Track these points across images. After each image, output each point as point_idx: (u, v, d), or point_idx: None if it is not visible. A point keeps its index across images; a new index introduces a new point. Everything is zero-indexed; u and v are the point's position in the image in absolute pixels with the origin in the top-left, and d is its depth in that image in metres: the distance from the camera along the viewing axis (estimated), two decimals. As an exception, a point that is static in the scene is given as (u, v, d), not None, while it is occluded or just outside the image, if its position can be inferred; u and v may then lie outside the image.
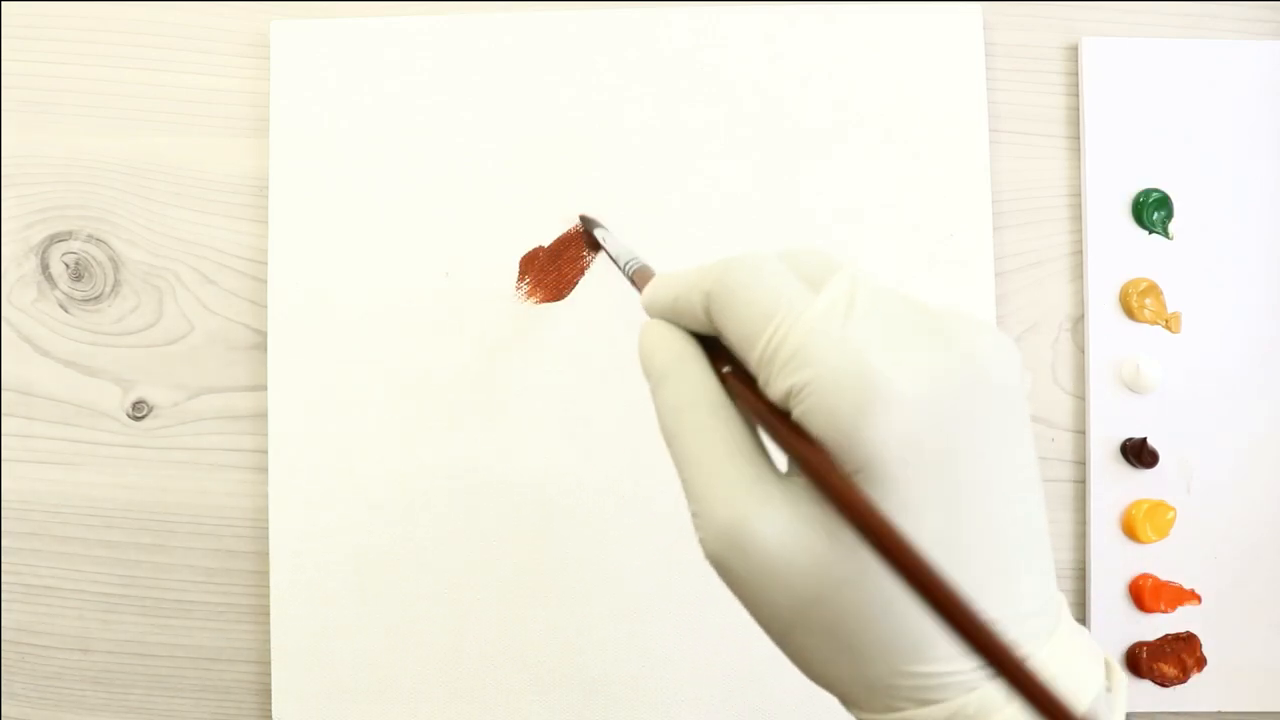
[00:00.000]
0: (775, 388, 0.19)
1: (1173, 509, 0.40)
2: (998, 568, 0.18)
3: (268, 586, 0.41)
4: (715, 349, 0.21)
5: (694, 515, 0.20)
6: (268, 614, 0.41)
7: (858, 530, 0.16)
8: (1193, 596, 0.40)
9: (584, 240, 0.41)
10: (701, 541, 0.19)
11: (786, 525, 0.18)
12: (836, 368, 0.18)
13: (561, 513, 0.40)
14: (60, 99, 0.43)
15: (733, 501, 0.19)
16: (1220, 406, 0.41)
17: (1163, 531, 0.40)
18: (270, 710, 0.40)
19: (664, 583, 0.40)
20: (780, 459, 0.20)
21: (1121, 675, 0.20)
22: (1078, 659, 0.19)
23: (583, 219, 0.40)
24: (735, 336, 0.20)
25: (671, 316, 0.22)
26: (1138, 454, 0.40)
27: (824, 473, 0.17)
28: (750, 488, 0.19)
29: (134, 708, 0.42)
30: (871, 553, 0.16)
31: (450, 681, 0.40)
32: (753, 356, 0.19)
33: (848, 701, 0.20)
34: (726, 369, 0.21)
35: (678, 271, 0.22)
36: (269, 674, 0.41)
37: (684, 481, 0.20)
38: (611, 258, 0.34)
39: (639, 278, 0.29)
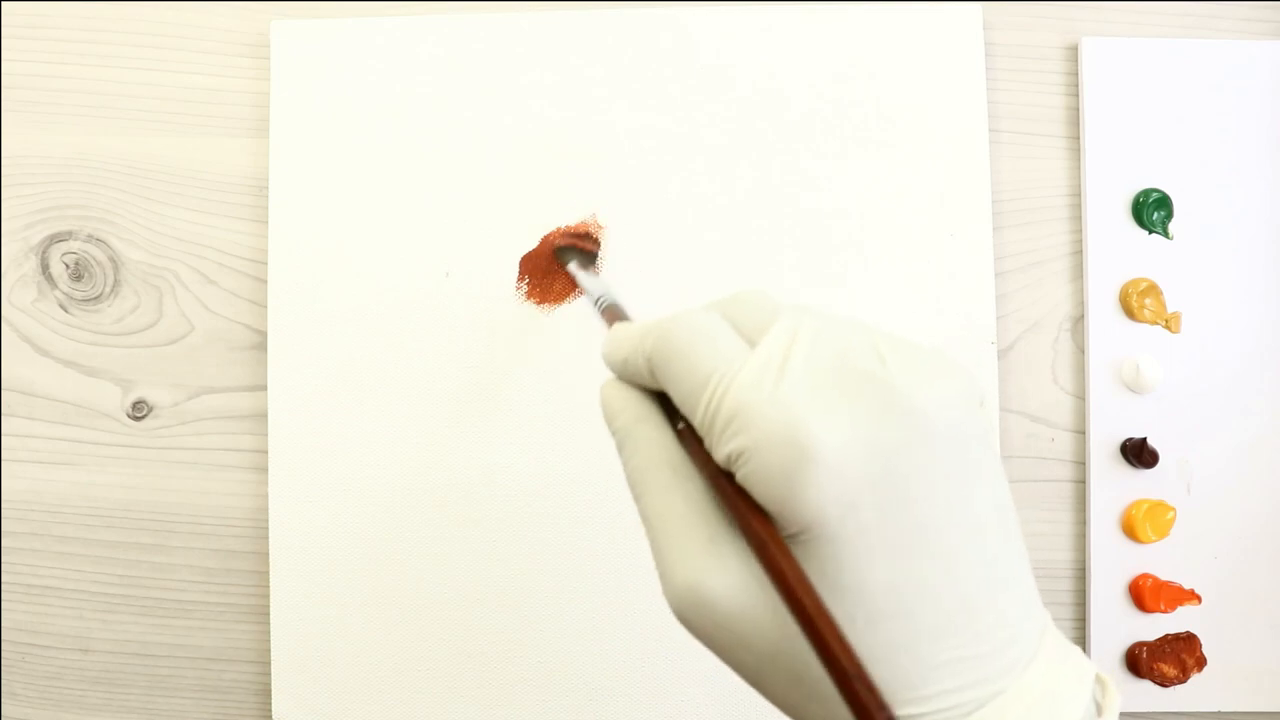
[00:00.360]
0: (718, 453, 0.19)
1: (1173, 509, 0.40)
2: (959, 606, 0.18)
3: (268, 586, 0.41)
4: (667, 404, 0.21)
5: (659, 575, 0.20)
6: (268, 614, 0.41)
7: (783, 598, 0.17)
8: (1193, 596, 0.40)
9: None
10: (666, 599, 0.20)
11: (740, 584, 0.19)
12: (769, 432, 0.18)
13: (562, 512, 0.40)
14: (60, 99, 0.43)
15: (689, 562, 0.19)
16: (1220, 406, 0.41)
17: (1163, 531, 0.40)
18: (270, 710, 0.40)
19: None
20: None
21: (1115, 695, 0.20)
22: (1061, 683, 0.19)
23: (557, 252, 0.40)
24: (678, 400, 0.20)
25: (622, 375, 0.22)
26: (1138, 454, 0.40)
27: (755, 537, 0.18)
28: (705, 549, 0.19)
29: (134, 708, 0.42)
30: (794, 620, 0.17)
31: (451, 681, 0.40)
32: (695, 421, 0.19)
33: None
34: (681, 426, 0.21)
35: (630, 327, 0.22)
36: (269, 674, 0.41)
37: (649, 541, 0.20)
38: (586, 291, 0.35)
39: (608, 316, 0.29)
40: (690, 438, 0.20)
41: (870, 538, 0.18)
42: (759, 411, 0.18)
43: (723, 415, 0.18)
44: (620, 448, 0.22)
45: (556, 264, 0.40)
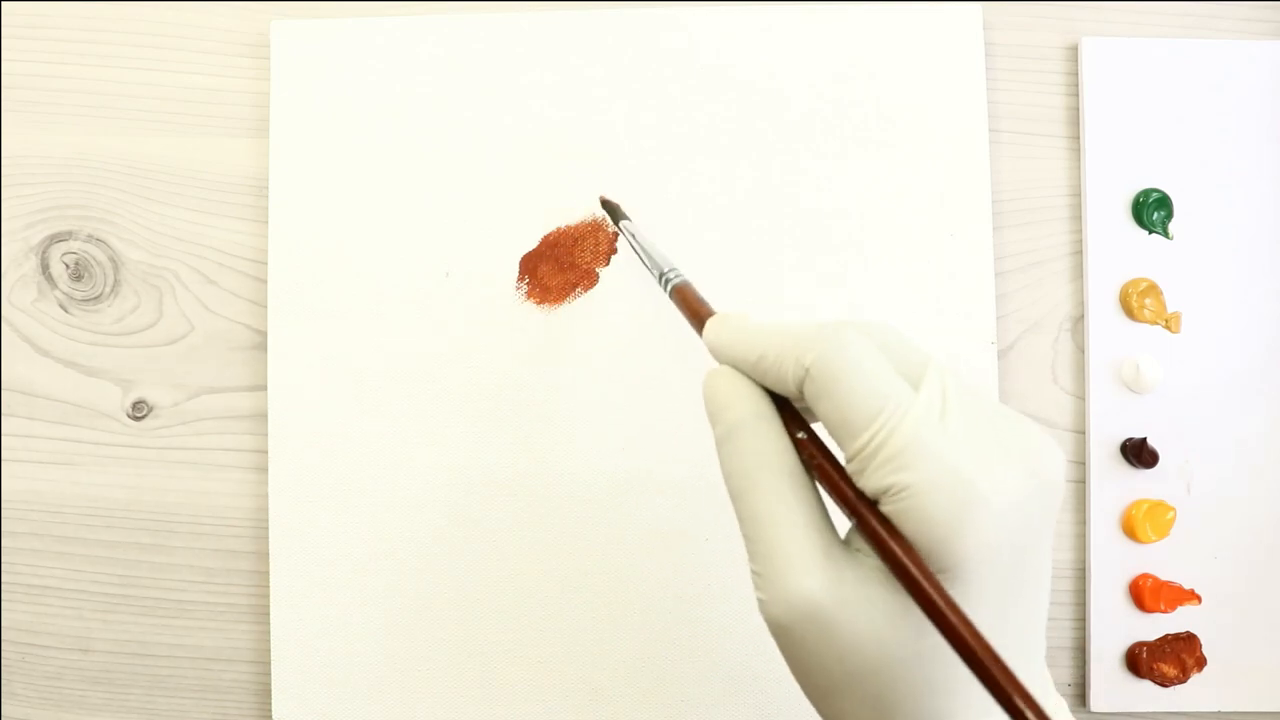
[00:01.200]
0: (870, 481, 0.19)
1: (1173, 509, 0.40)
2: (1025, 653, 0.20)
3: (268, 586, 0.41)
4: (784, 408, 0.22)
5: (757, 575, 0.20)
6: (268, 614, 0.41)
7: (948, 639, 0.17)
8: (1193, 596, 0.40)
9: (606, 225, 0.40)
10: (763, 603, 0.20)
11: (856, 603, 0.19)
12: (937, 477, 0.19)
13: (562, 512, 0.40)
14: (60, 99, 0.43)
15: (808, 574, 0.19)
16: (1220, 406, 0.41)
17: (1163, 531, 0.40)
18: (270, 710, 0.40)
19: (667, 583, 0.40)
20: (841, 526, 0.21)
21: None
22: None
23: (605, 203, 0.40)
24: (834, 421, 0.20)
25: (749, 371, 0.22)
26: (1138, 454, 0.40)
27: (902, 567, 0.18)
28: (824, 562, 0.20)
29: (134, 708, 0.42)
30: (961, 660, 0.17)
31: (451, 681, 0.40)
32: (851, 446, 0.20)
33: None
34: (802, 435, 0.21)
35: (760, 325, 0.22)
36: (269, 674, 0.41)
37: (750, 540, 0.21)
38: (641, 258, 0.33)
39: (683, 297, 0.28)
40: (817, 451, 0.21)
41: (995, 585, 0.19)
42: (928, 456, 0.19)
43: (888, 450, 0.19)
44: (727, 440, 0.21)
45: (608, 219, 0.39)
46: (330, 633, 0.40)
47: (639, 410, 0.40)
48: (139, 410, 0.42)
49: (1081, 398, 0.41)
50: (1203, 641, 0.40)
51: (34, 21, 0.43)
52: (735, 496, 0.21)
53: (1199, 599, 0.40)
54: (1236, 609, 0.40)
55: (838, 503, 0.20)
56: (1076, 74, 0.42)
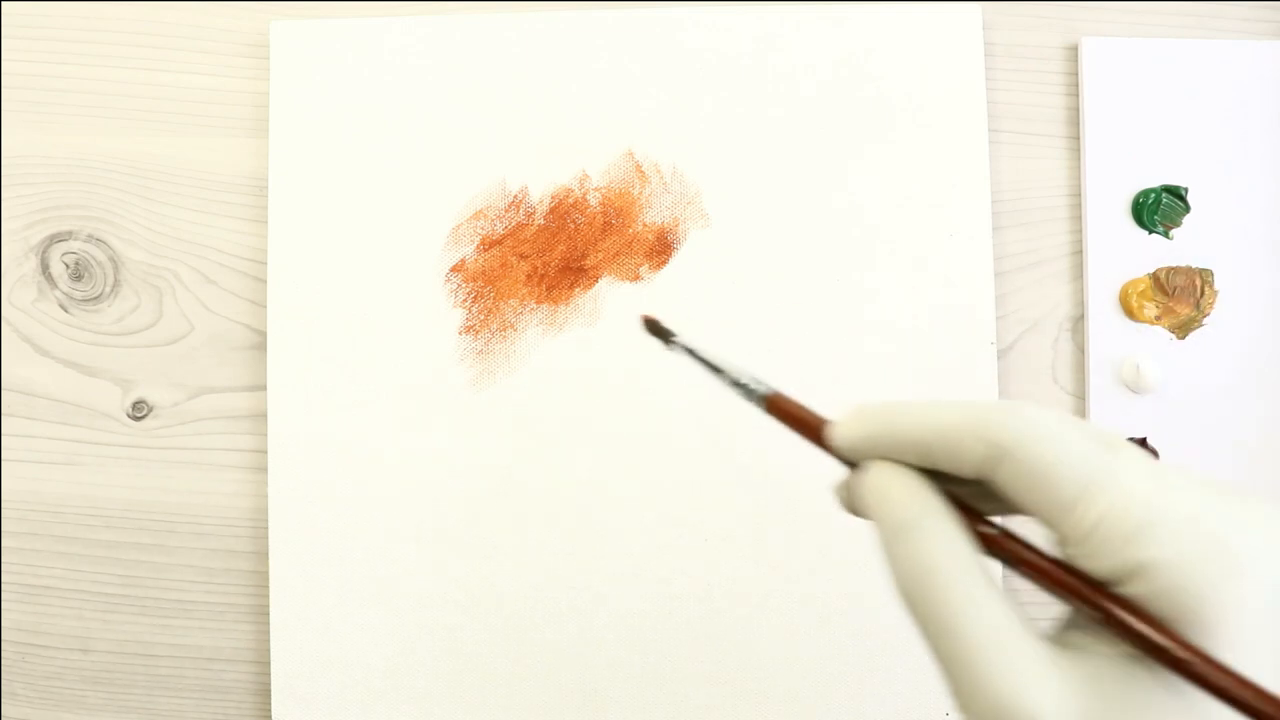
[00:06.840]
0: (1105, 563, 0.17)
1: (1173, 509, 0.40)
2: None
3: (268, 586, 0.41)
4: (954, 501, 0.19)
5: (967, 696, 0.18)
6: (268, 614, 0.41)
7: (1248, 713, 0.16)
8: (1193, 596, 0.40)
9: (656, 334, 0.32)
10: None
11: (1086, 705, 0.17)
12: (1192, 547, 0.17)
13: (562, 511, 0.40)
14: (60, 99, 0.43)
15: (1040, 691, 0.17)
16: (1220, 407, 0.41)
17: (1163, 531, 0.40)
18: (270, 710, 0.40)
19: (666, 587, 0.40)
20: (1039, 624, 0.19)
21: None
22: None
23: (650, 325, 0.28)
24: (1039, 501, 0.18)
25: (914, 458, 0.19)
26: (1138, 454, 0.40)
27: (1201, 667, 0.16)
28: (1050, 672, 0.17)
29: (134, 708, 0.42)
30: None
31: (451, 682, 0.40)
32: (1066, 525, 0.18)
33: None
34: (995, 531, 0.19)
35: (920, 407, 0.20)
36: (269, 674, 0.41)
37: (946, 657, 0.18)
38: (712, 372, 0.26)
39: (781, 405, 0.23)
40: (1016, 542, 0.19)
41: (1257, 656, 0.17)
42: (1177, 525, 0.17)
43: (1127, 524, 0.17)
44: (894, 539, 0.19)
45: (658, 337, 0.31)
46: (330, 633, 0.40)
47: (639, 409, 0.40)
48: (139, 410, 0.42)
49: (1081, 398, 0.41)
50: (1203, 641, 0.40)
51: (34, 21, 0.43)
52: (916, 604, 0.19)
53: (1199, 599, 0.40)
54: (1236, 609, 0.40)
55: (1061, 596, 0.18)
56: (1076, 74, 0.42)
